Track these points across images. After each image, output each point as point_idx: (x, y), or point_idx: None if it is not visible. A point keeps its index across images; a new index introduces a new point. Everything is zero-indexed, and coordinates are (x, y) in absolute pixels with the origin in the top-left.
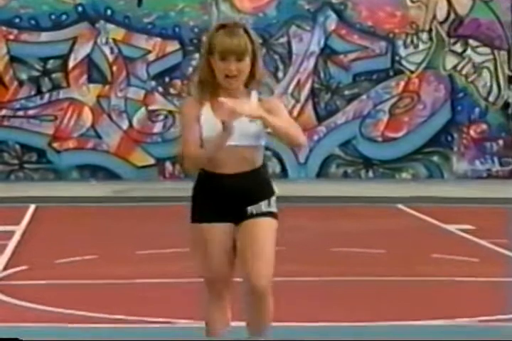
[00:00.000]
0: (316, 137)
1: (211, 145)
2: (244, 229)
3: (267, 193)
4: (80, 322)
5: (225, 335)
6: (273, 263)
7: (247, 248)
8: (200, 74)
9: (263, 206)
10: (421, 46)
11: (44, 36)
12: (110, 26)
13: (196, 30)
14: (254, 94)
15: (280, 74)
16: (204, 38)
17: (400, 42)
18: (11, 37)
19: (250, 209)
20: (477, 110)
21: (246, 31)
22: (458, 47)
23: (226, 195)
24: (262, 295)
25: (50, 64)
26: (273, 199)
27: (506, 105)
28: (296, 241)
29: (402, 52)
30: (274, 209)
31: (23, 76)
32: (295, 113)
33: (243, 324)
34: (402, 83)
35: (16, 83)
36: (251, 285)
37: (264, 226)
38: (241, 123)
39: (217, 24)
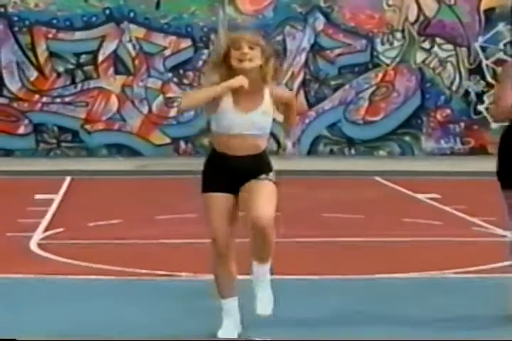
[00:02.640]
0: (307, 120)
1: (211, 88)
2: (247, 187)
3: (267, 169)
4: (108, 274)
5: (230, 288)
6: (274, 205)
7: (249, 198)
8: (222, 73)
9: (262, 177)
10: (395, 43)
11: (77, 35)
12: (133, 26)
13: (205, 29)
14: (267, 88)
15: None
16: (219, 49)
17: (377, 40)
18: (50, 35)
19: (253, 180)
20: (442, 97)
21: (258, 34)
22: (426, 44)
23: (232, 172)
24: (264, 231)
25: (83, 58)
26: (271, 173)
27: (466, 93)
28: (290, 209)
29: (380, 48)
30: (272, 179)
31: (60, 68)
32: None
33: (248, 277)
34: (380, 75)
35: (54, 74)
36: (254, 224)
37: (264, 183)
38: (255, 116)
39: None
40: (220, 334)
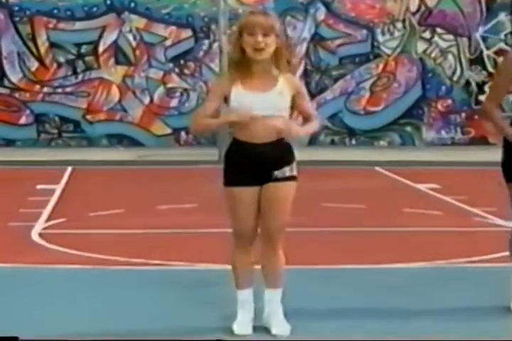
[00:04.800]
0: None
1: (212, 121)
2: (267, 191)
3: (290, 159)
4: (109, 264)
5: (248, 279)
6: (288, 220)
7: (267, 207)
8: (233, 56)
9: (287, 171)
10: (396, 33)
11: (78, 25)
12: (133, 16)
13: (206, 19)
14: (280, 75)
15: None
16: (235, 25)
17: (378, 30)
18: (51, 26)
19: (276, 173)
20: (443, 88)
21: (272, 15)
22: (427, 35)
23: (255, 162)
24: (274, 247)
25: (84, 49)
26: (294, 164)
27: (467, 83)
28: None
29: (381, 38)
30: (295, 172)
31: (61, 59)
32: None
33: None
34: (381, 65)
35: (55, 65)
36: (266, 239)
37: (284, 190)
38: (270, 96)
39: (247, 12)
40: (236, 330)
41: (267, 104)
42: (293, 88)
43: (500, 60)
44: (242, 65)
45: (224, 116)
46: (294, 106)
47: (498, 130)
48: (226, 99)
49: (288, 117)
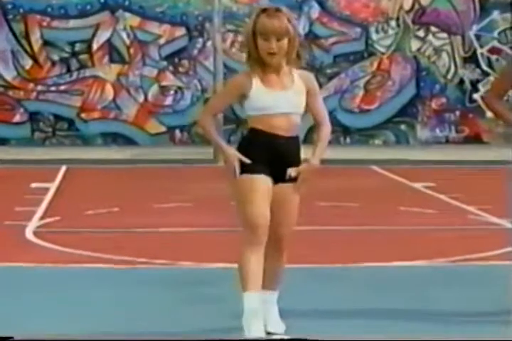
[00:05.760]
0: None
1: (218, 142)
2: (281, 191)
3: (300, 160)
4: (104, 263)
5: (259, 279)
6: (294, 224)
7: (280, 208)
8: (249, 52)
9: (295, 171)
10: (390, 32)
11: (72, 23)
12: (127, 14)
13: (200, 18)
14: (294, 71)
15: None
16: (248, 21)
17: (372, 29)
18: (44, 24)
19: (289, 170)
20: (437, 86)
21: (285, 14)
22: (421, 33)
23: (275, 154)
24: (282, 250)
25: (77, 47)
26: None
27: (461, 82)
28: None
29: (375, 36)
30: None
31: (55, 57)
32: None
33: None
34: (375, 63)
35: (48, 63)
36: (275, 241)
37: (293, 192)
38: (288, 95)
39: (259, 8)
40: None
41: (288, 102)
42: (306, 85)
43: (493, 58)
44: (260, 63)
45: (229, 150)
46: (306, 106)
47: (504, 120)
48: (243, 96)
49: (301, 114)
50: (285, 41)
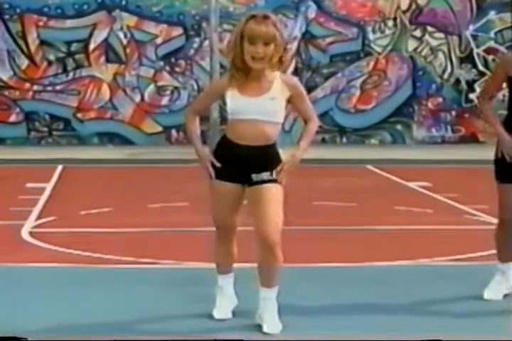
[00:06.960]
0: None
1: (194, 142)
2: (251, 194)
3: (273, 166)
4: (100, 263)
5: (229, 266)
6: (280, 218)
7: (255, 209)
8: (233, 58)
9: (265, 176)
10: (387, 31)
11: (68, 23)
12: (124, 14)
13: (197, 17)
14: (279, 76)
15: None
16: (236, 27)
17: (369, 28)
18: (41, 23)
19: (254, 176)
20: (434, 86)
21: (273, 22)
22: (418, 33)
23: (236, 162)
24: (273, 249)
25: (74, 46)
26: (275, 171)
27: (458, 81)
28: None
29: (371, 36)
30: (274, 176)
31: (51, 57)
32: None
33: (247, 265)
34: (371, 63)
35: (45, 63)
36: (263, 242)
37: (268, 190)
38: (262, 101)
39: (249, 15)
40: (216, 315)
41: (258, 108)
42: (289, 89)
43: (490, 58)
44: (242, 70)
45: (201, 153)
46: (293, 107)
47: (492, 128)
48: (222, 98)
49: (281, 121)
50: (271, 47)
